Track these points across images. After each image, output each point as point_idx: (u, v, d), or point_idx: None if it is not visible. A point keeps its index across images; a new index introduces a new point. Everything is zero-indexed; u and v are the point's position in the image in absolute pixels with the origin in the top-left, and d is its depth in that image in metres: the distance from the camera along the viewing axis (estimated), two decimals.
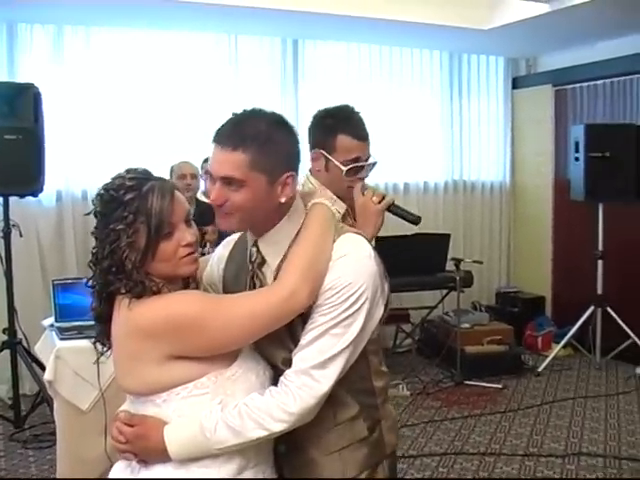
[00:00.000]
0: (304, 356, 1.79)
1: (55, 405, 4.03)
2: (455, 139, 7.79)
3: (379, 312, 1.91)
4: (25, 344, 5.19)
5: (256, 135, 1.78)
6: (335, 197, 2.45)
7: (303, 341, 1.81)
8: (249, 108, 1.87)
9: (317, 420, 1.84)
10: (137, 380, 1.83)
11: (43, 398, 4.90)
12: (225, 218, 1.86)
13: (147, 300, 1.81)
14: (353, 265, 1.83)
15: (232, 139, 1.78)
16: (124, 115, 6.18)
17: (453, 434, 5.14)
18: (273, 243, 1.91)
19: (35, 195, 5.20)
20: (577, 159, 6.44)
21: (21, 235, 5.20)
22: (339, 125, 2.60)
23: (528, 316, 7.44)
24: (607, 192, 6.32)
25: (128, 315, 1.80)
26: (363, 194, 2.53)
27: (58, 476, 3.99)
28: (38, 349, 4.47)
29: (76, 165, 6.05)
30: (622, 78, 6.91)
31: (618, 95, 7.00)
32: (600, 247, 6.55)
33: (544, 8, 5.83)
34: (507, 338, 6.81)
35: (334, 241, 1.87)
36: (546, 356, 6.73)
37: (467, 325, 6.73)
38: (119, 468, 1.91)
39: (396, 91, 7.41)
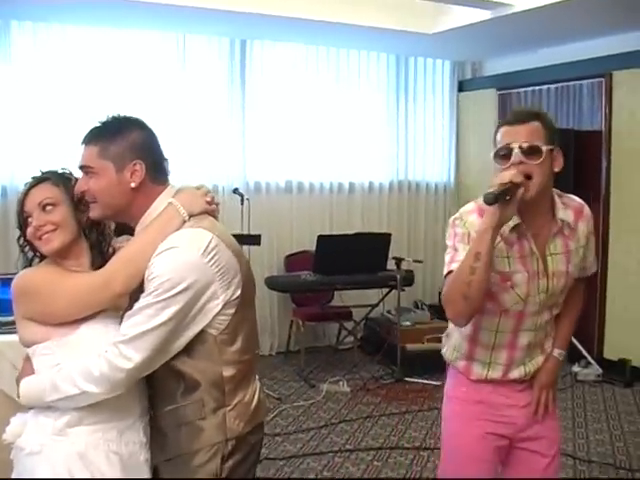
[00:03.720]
0: (122, 328, 2.01)
1: None
2: (401, 140, 7.91)
3: (215, 303, 2.05)
4: None
5: (106, 131, 2.12)
6: None
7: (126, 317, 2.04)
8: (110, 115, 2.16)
9: (165, 396, 2.14)
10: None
11: None
12: (91, 207, 2.14)
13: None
14: (171, 258, 1.99)
15: (89, 137, 2.13)
16: (71, 111, 6.16)
17: (390, 429, 5.27)
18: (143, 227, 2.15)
19: None
20: None
21: None
22: (501, 122, 2.61)
23: None
24: None
25: None
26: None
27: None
28: None
29: (22, 161, 6.02)
30: (564, 84, 7.08)
31: (560, 100, 7.15)
32: None
33: (486, 15, 5.97)
34: None
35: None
36: None
37: (408, 323, 6.86)
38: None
39: (343, 92, 7.51)
